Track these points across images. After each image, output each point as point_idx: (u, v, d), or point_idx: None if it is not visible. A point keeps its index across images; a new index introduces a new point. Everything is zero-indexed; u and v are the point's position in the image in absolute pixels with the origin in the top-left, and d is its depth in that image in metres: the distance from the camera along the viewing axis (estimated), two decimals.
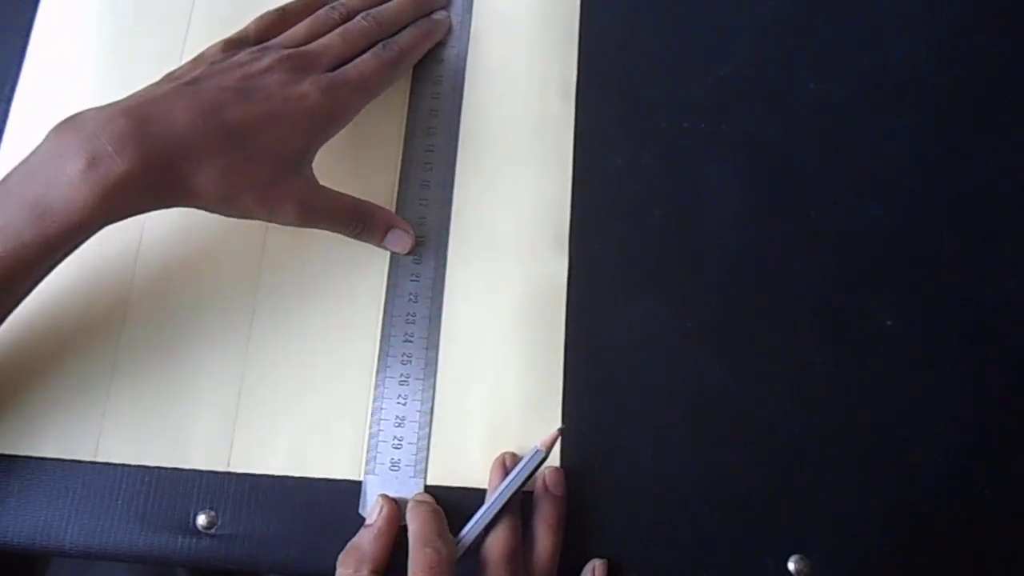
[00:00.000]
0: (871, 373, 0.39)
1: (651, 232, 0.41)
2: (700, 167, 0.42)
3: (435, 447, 0.38)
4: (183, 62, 0.44)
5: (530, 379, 0.39)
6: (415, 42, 0.43)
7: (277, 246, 0.41)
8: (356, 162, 0.43)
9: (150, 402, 0.39)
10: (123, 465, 0.38)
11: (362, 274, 0.41)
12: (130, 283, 0.41)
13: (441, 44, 0.45)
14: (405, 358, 0.39)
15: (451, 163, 0.43)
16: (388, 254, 0.41)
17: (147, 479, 0.38)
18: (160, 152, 0.34)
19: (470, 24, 0.45)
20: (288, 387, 0.39)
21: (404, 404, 0.39)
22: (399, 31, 0.43)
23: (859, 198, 0.42)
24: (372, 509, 0.37)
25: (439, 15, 0.45)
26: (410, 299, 0.40)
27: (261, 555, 0.37)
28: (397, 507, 0.36)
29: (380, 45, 0.41)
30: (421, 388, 0.39)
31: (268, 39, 0.40)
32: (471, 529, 0.35)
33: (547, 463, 0.37)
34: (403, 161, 0.43)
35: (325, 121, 0.38)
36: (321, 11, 0.42)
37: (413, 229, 0.41)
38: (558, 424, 0.38)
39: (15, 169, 0.35)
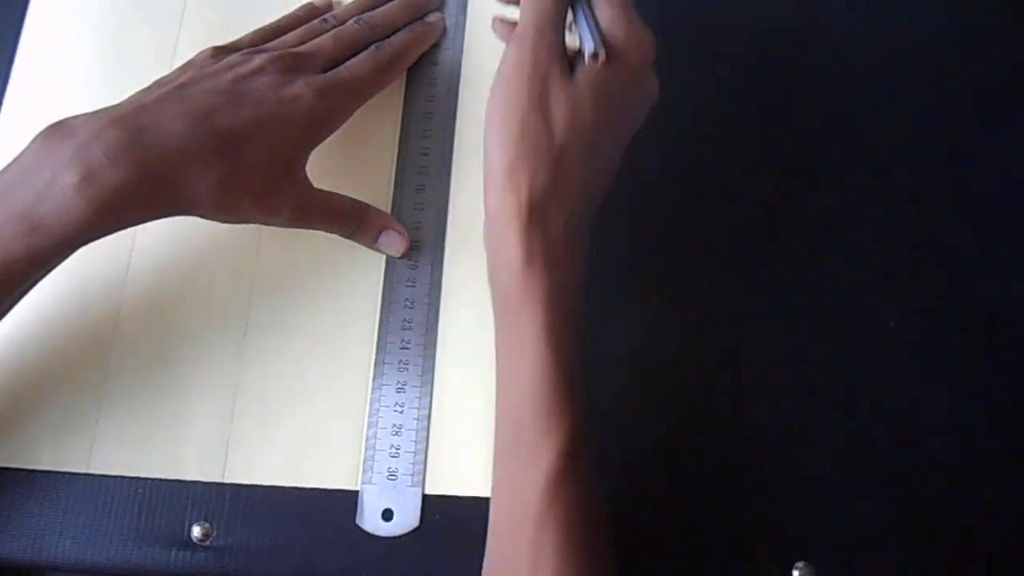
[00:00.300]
0: (875, 376, 0.39)
1: (651, 235, 0.41)
2: (704, 167, 0.42)
3: (433, 456, 0.38)
4: (175, 65, 0.43)
5: None
6: (409, 44, 0.42)
7: (271, 253, 0.41)
8: (351, 166, 0.42)
9: (143, 412, 0.38)
10: (116, 477, 0.38)
11: (357, 280, 0.40)
12: (121, 292, 0.40)
13: (436, 46, 0.44)
14: (402, 365, 0.39)
15: (447, 166, 0.42)
16: (383, 260, 0.41)
17: (141, 491, 0.37)
18: (155, 163, 0.34)
19: (464, 26, 0.45)
20: (283, 396, 0.39)
21: (401, 412, 0.38)
22: (393, 34, 0.42)
23: (864, 196, 0.42)
24: None
25: (433, 17, 0.44)
26: (406, 305, 0.40)
27: (257, 567, 0.37)
28: None
29: (374, 47, 0.41)
30: (418, 396, 0.38)
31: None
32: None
33: None
34: (398, 165, 0.42)
35: (318, 124, 0.38)
36: (313, 21, 0.42)
37: (409, 234, 0.40)
38: None
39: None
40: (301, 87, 0.37)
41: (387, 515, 0.37)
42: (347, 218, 0.39)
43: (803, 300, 0.40)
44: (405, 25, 0.43)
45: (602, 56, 0.33)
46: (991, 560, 0.37)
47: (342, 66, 0.39)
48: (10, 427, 0.38)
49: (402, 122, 0.43)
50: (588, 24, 0.34)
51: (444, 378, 0.39)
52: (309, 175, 0.38)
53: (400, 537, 0.36)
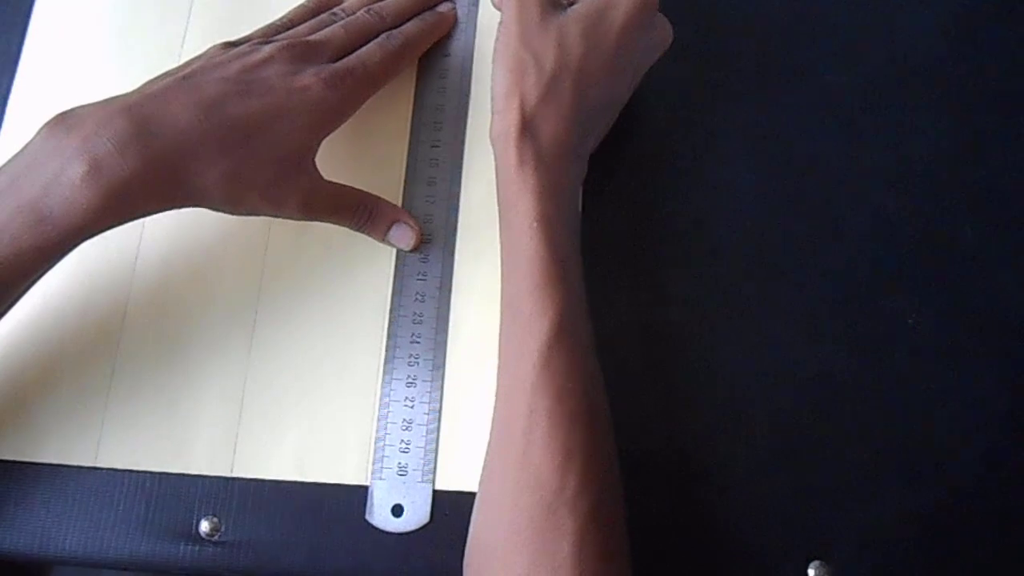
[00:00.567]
0: (892, 373, 0.38)
1: (664, 228, 0.41)
2: (714, 160, 0.42)
3: (444, 451, 0.37)
4: (183, 56, 0.43)
5: None
6: (420, 33, 0.42)
7: (280, 247, 0.40)
8: (361, 160, 0.42)
9: (151, 406, 0.38)
10: (124, 471, 0.37)
11: (368, 274, 0.40)
12: (129, 285, 0.40)
13: (447, 37, 0.44)
14: (412, 360, 0.39)
15: (458, 159, 0.42)
16: (394, 253, 0.40)
17: (148, 485, 0.37)
18: (163, 153, 0.33)
19: (476, 16, 0.44)
20: (292, 390, 0.38)
21: (411, 407, 0.38)
22: (403, 25, 0.42)
23: (878, 192, 0.41)
24: None
25: (444, 7, 0.44)
26: (417, 299, 0.39)
27: (265, 563, 0.36)
28: None
29: (384, 35, 0.40)
30: (429, 390, 0.38)
31: None
32: None
33: None
34: (409, 158, 0.42)
35: (328, 114, 0.37)
36: (323, 14, 0.41)
37: (420, 227, 0.40)
38: None
39: (3, 169, 0.34)
40: (310, 77, 0.37)
41: (397, 511, 0.37)
42: (357, 210, 0.39)
43: (821, 298, 0.39)
44: (416, 15, 0.43)
45: None
46: (1009, 559, 0.36)
47: (352, 55, 0.39)
48: (17, 421, 0.38)
49: (413, 114, 0.42)
50: None
51: (455, 373, 0.38)
52: (320, 168, 0.38)
53: (410, 533, 0.36)
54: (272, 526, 0.37)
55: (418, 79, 0.43)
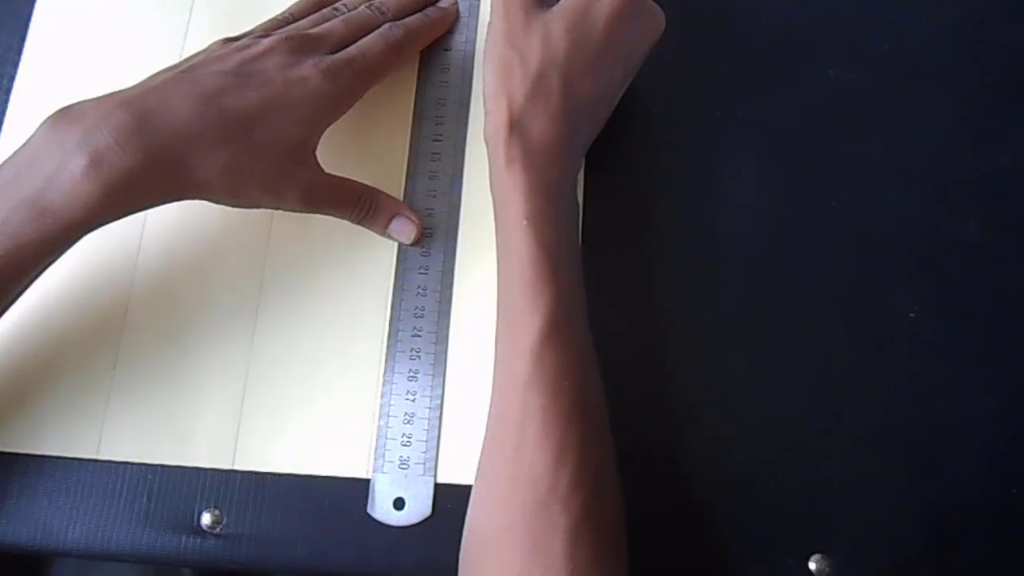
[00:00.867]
0: (895, 367, 0.38)
1: (666, 223, 0.41)
2: (717, 156, 0.41)
3: (445, 444, 0.37)
4: (185, 52, 0.43)
5: None
6: (421, 27, 0.42)
7: (282, 240, 0.40)
8: (363, 153, 0.42)
9: (153, 398, 0.38)
10: (126, 463, 0.37)
11: (369, 267, 0.40)
12: (132, 277, 0.40)
13: (449, 32, 0.44)
14: (414, 353, 0.39)
15: (460, 153, 0.42)
16: (395, 247, 0.40)
17: (150, 477, 0.37)
18: (164, 145, 0.33)
19: (479, 10, 0.44)
20: (294, 383, 0.38)
21: (413, 400, 0.38)
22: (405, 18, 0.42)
23: (881, 187, 0.41)
24: None
25: (446, 2, 0.44)
26: (418, 292, 0.39)
27: (267, 555, 0.36)
28: None
29: (386, 26, 0.40)
30: (430, 384, 0.38)
31: None
32: None
33: None
34: (410, 151, 0.42)
35: (328, 106, 0.37)
36: (325, 9, 0.41)
37: (421, 221, 0.40)
38: None
39: (7, 162, 0.34)
40: (309, 68, 0.36)
41: (398, 504, 0.37)
42: (358, 203, 0.39)
43: (823, 292, 0.39)
44: (417, 10, 0.43)
45: None
46: (1012, 554, 0.36)
47: (351, 47, 0.39)
48: (20, 413, 0.38)
49: (415, 108, 0.42)
50: None
51: (456, 366, 0.38)
52: (321, 162, 0.38)
53: (412, 526, 0.36)
54: (274, 519, 0.37)
55: (420, 73, 0.43)
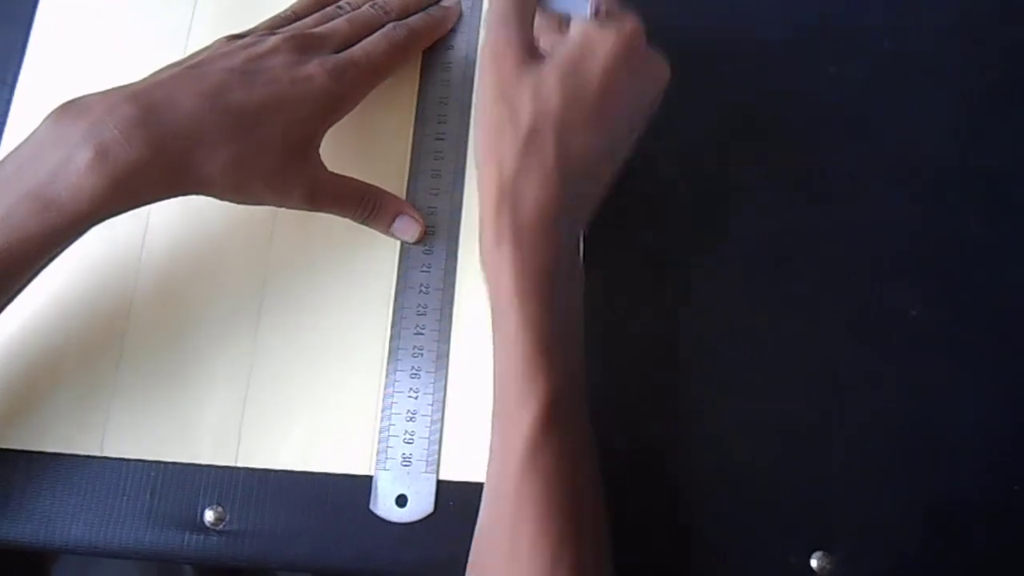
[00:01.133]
0: (896, 364, 0.38)
1: (669, 221, 0.41)
2: (718, 155, 0.42)
3: (448, 441, 0.37)
4: (188, 48, 0.43)
5: None
6: (424, 26, 0.42)
7: (285, 238, 0.41)
8: (365, 152, 0.42)
9: (157, 396, 0.38)
10: (129, 460, 0.37)
11: (372, 265, 0.40)
12: (136, 275, 0.40)
13: (451, 31, 0.44)
14: (416, 351, 0.39)
15: (462, 151, 0.42)
16: (398, 245, 0.40)
17: (153, 474, 0.37)
18: (169, 139, 0.33)
19: (481, 9, 0.44)
20: (297, 380, 0.38)
21: (415, 398, 0.38)
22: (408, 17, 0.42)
23: (881, 185, 0.41)
24: None
25: (449, 1, 0.44)
26: (421, 290, 0.40)
27: (270, 552, 0.36)
28: None
29: (389, 26, 0.40)
30: (433, 381, 0.38)
31: None
32: None
33: None
34: (413, 150, 0.42)
35: (332, 104, 0.37)
36: (328, 8, 0.41)
37: (424, 219, 0.40)
38: None
39: (11, 155, 0.34)
40: (315, 67, 0.37)
41: (401, 501, 0.37)
42: (361, 202, 0.39)
43: (823, 289, 0.40)
44: (420, 10, 0.43)
45: (600, 7, 0.34)
46: (1014, 552, 0.36)
47: (356, 46, 0.39)
48: (23, 410, 0.38)
49: (417, 107, 0.43)
50: None
51: (458, 364, 0.38)
52: (324, 160, 0.38)
53: (414, 523, 0.36)
54: (277, 516, 0.37)
55: (422, 72, 0.43)
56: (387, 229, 0.40)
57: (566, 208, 0.33)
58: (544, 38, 0.36)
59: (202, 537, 0.36)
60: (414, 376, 0.38)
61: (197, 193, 0.35)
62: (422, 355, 0.39)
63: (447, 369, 0.38)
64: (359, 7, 0.41)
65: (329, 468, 0.37)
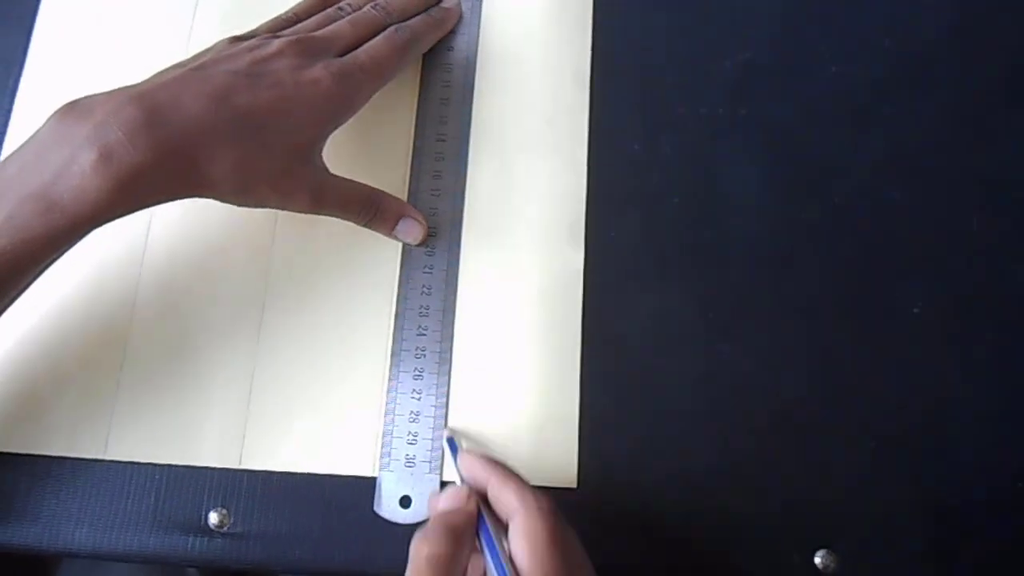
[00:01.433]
0: (899, 362, 0.38)
1: (669, 221, 0.41)
2: (719, 153, 0.42)
3: None
4: (190, 48, 0.43)
5: (547, 372, 0.38)
6: (426, 28, 0.42)
7: (287, 240, 0.41)
8: (367, 153, 0.42)
9: (160, 399, 0.38)
10: (133, 463, 0.37)
11: (374, 267, 0.40)
12: (138, 278, 0.40)
13: (451, 32, 0.44)
14: (419, 352, 0.39)
15: (463, 153, 0.42)
16: (400, 246, 0.40)
17: (157, 477, 0.37)
18: (174, 141, 0.33)
19: (481, 10, 0.44)
20: (300, 382, 0.38)
21: (418, 399, 0.38)
22: (409, 19, 0.42)
23: (883, 182, 0.41)
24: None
25: (449, 2, 0.44)
26: (423, 292, 0.40)
27: (274, 554, 0.36)
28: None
29: (392, 28, 0.40)
30: (435, 382, 0.38)
31: None
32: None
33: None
34: (414, 151, 0.42)
35: (337, 107, 0.37)
36: (329, 9, 0.41)
37: (425, 220, 0.40)
38: (575, 417, 0.38)
39: (14, 155, 0.34)
40: (320, 71, 0.37)
41: (405, 502, 0.37)
42: (364, 205, 0.39)
43: (825, 288, 0.40)
44: (421, 10, 0.43)
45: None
46: (1017, 549, 0.36)
47: (359, 49, 0.39)
48: (27, 414, 0.38)
49: (418, 108, 0.43)
50: (497, 561, 0.31)
51: (461, 365, 0.39)
52: (326, 160, 0.38)
53: (418, 524, 0.36)
54: (281, 517, 0.37)
55: (423, 73, 0.43)
56: (390, 232, 0.40)
57: None
58: None
59: (206, 540, 0.36)
60: (417, 377, 0.38)
61: (201, 195, 0.35)
62: (425, 356, 0.39)
63: (450, 370, 0.38)
64: (360, 8, 0.41)
65: (332, 470, 0.37)
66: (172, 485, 0.37)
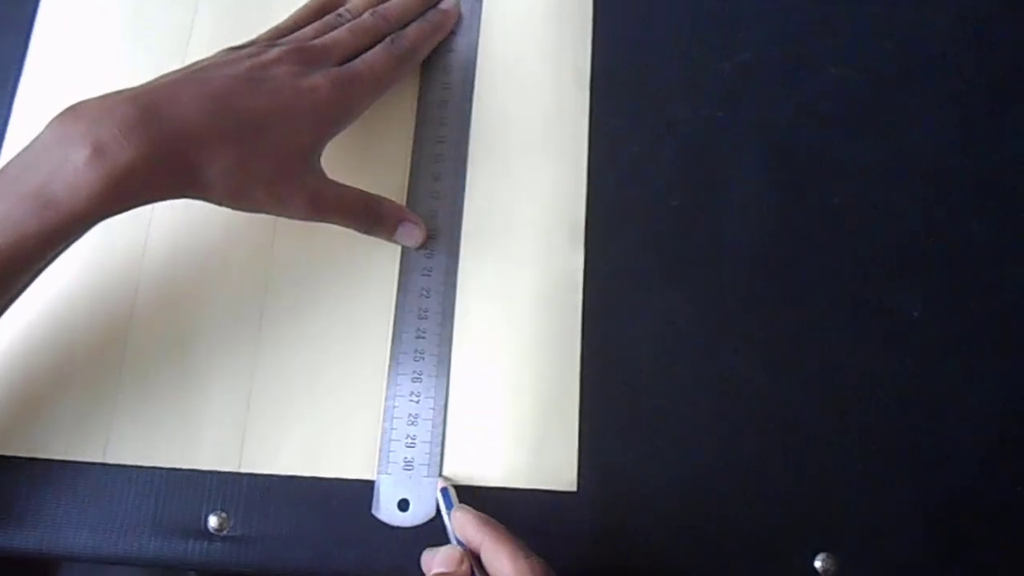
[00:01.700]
0: (898, 366, 0.38)
1: (670, 223, 0.41)
2: (719, 155, 0.42)
3: (450, 445, 0.37)
4: (189, 53, 0.43)
5: (547, 374, 0.38)
6: (424, 35, 0.42)
7: (286, 243, 0.41)
8: (366, 156, 0.42)
9: (159, 402, 0.38)
10: (132, 467, 0.37)
11: (373, 269, 0.40)
12: (137, 281, 0.40)
13: (451, 33, 0.44)
14: (418, 355, 0.39)
15: (463, 155, 0.42)
16: (399, 249, 0.40)
17: (157, 480, 0.37)
18: (169, 140, 0.33)
19: (480, 12, 0.44)
20: (299, 385, 0.38)
21: (417, 402, 0.38)
22: (407, 25, 0.42)
23: (882, 185, 0.41)
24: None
25: (447, 4, 0.44)
26: (422, 294, 0.40)
27: (273, 557, 0.36)
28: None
29: (389, 39, 0.40)
30: (434, 385, 0.38)
31: None
32: None
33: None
34: (413, 154, 0.42)
35: (335, 115, 0.38)
36: (328, 16, 0.41)
37: (424, 223, 0.40)
38: (574, 420, 0.37)
39: (14, 159, 0.34)
40: (319, 78, 0.37)
41: (403, 505, 0.37)
42: (363, 213, 0.38)
43: (824, 290, 0.39)
44: (420, 15, 0.43)
45: None
46: (1017, 553, 0.36)
47: (358, 59, 0.39)
48: (26, 417, 0.38)
49: (417, 110, 0.43)
50: None
51: (460, 367, 0.38)
52: (324, 161, 0.38)
53: (416, 527, 0.36)
54: (280, 521, 0.37)
55: (422, 75, 0.43)
56: (390, 237, 0.39)
57: None
58: None
59: (205, 543, 0.37)
60: (416, 380, 0.38)
61: (196, 197, 0.35)
62: (423, 359, 0.39)
63: (448, 373, 0.38)
64: (359, 15, 0.41)
65: (331, 473, 0.37)
66: (172, 489, 0.37)
